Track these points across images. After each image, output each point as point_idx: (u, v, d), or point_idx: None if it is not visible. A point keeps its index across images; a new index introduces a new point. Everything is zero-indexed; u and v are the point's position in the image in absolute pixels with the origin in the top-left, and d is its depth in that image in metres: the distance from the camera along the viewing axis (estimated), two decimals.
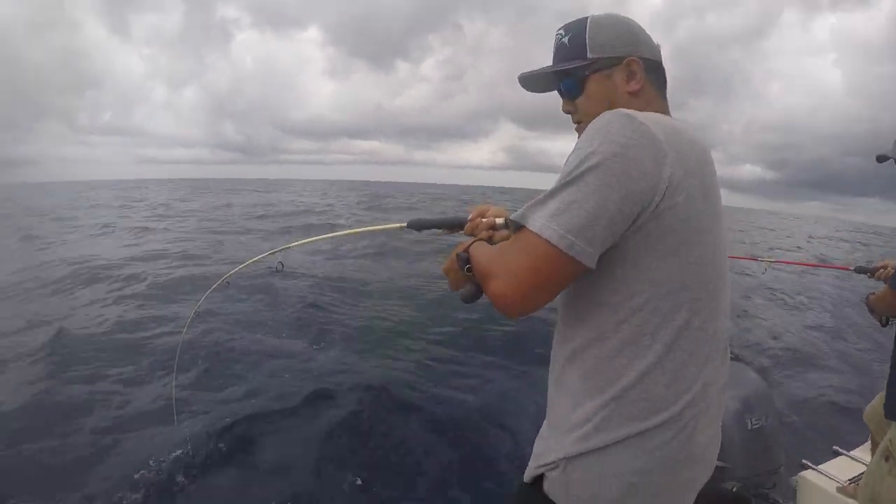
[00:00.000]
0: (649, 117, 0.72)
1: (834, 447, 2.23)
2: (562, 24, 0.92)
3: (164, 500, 2.67)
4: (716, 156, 0.82)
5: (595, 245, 0.69)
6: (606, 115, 0.73)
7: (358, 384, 4.07)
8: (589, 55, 0.86)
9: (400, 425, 3.56)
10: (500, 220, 1.01)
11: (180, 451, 3.01)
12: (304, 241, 1.46)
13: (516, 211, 0.76)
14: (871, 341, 6.33)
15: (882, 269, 1.98)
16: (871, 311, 1.84)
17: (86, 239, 12.80)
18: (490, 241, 0.97)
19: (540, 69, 0.93)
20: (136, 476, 2.79)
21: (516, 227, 0.75)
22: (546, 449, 0.84)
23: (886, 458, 1.52)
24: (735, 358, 0.88)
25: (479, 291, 0.86)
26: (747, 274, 9.16)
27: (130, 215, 20.20)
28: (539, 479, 0.84)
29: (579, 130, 0.89)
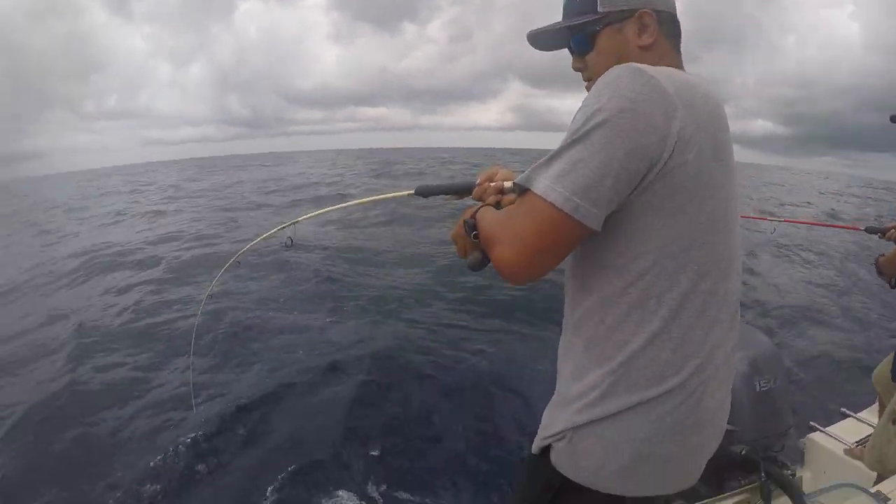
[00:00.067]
0: (661, 71, 0.70)
1: (842, 409, 2.22)
2: None
3: (185, 486, 2.71)
4: (728, 110, 0.81)
5: (600, 206, 0.67)
6: (616, 70, 0.70)
7: (372, 354, 4.08)
8: (600, 9, 0.83)
9: (414, 395, 3.57)
10: (508, 184, 0.96)
11: (198, 433, 3.04)
12: (312, 213, 1.42)
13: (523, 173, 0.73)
14: (878, 301, 6.30)
15: (893, 230, 1.95)
16: (880, 272, 1.85)
17: (98, 229, 12.95)
18: (498, 205, 0.94)
19: (549, 25, 0.91)
20: (155, 463, 2.83)
21: (521, 190, 0.73)
22: (552, 419, 0.83)
23: (893, 421, 1.54)
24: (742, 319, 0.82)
25: (486, 259, 0.83)
26: (756, 231, 9.00)
27: (141, 200, 20.45)
28: (547, 449, 0.83)
29: (590, 89, 0.84)
